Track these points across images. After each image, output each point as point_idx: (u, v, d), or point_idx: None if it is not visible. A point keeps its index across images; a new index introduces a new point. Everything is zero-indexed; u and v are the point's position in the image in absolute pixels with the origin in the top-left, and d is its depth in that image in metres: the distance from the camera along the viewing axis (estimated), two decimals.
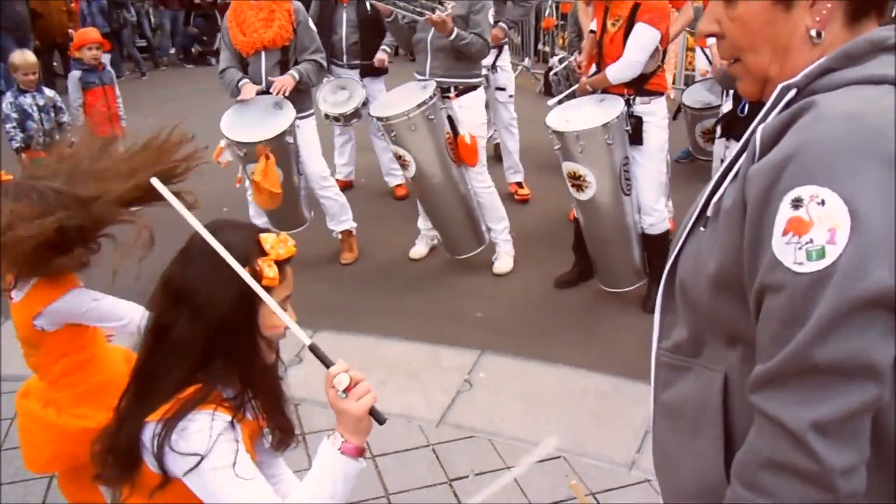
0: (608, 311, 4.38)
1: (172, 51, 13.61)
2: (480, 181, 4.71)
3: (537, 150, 6.33)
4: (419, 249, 5.15)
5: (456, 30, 4.30)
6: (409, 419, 3.44)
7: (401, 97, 4.55)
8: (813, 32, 1.04)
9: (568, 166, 4.14)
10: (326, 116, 5.64)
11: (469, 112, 4.61)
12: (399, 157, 4.56)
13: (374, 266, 5.06)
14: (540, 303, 4.53)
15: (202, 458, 1.37)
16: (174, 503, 1.44)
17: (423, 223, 5.08)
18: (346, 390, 1.38)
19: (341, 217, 5.01)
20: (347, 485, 1.43)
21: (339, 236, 5.09)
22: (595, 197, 4.14)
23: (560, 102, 4.58)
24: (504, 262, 4.87)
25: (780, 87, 1.05)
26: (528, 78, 10.38)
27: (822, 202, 0.89)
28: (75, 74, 5.92)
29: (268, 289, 1.42)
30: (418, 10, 4.33)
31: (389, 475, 3.09)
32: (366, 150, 6.35)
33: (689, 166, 6.56)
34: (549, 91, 9.77)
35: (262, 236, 1.46)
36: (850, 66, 1.01)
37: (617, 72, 4.06)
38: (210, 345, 1.42)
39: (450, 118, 4.56)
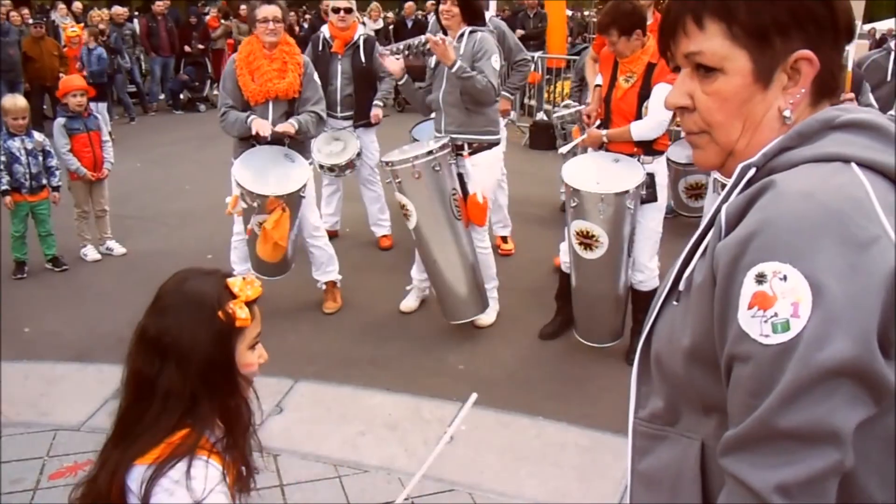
0: (589, 364, 4.39)
1: (162, 97, 13.73)
2: (480, 240, 4.71)
3: (522, 203, 6.43)
4: (409, 303, 5.10)
5: (458, 61, 4.32)
6: (390, 471, 3.42)
7: (414, 148, 4.56)
8: (787, 113, 1.10)
9: (581, 225, 4.10)
10: (321, 167, 5.72)
11: (482, 171, 4.62)
12: (402, 207, 4.48)
13: (356, 316, 5.06)
14: (521, 355, 4.54)
15: None
16: None
17: (416, 273, 5.01)
18: None
19: (328, 268, 5.03)
20: None
21: (324, 286, 5.10)
22: (602, 258, 4.14)
23: (568, 152, 4.61)
24: (487, 315, 4.87)
25: (740, 167, 1.10)
26: (515, 131, 10.54)
27: (785, 278, 0.94)
28: (60, 121, 5.93)
29: (241, 329, 1.52)
30: (405, 45, 4.40)
31: None
32: (352, 201, 6.41)
33: (672, 222, 6.64)
34: (534, 145, 9.98)
35: (230, 281, 1.56)
36: (804, 145, 1.07)
37: (643, 129, 4.06)
38: (196, 389, 1.47)
39: (460, 176, 4.54)
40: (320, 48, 5.89)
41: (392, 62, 4.58)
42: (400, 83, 4.66)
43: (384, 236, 6.28)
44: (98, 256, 6.12)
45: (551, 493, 3.29)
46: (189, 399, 1.47)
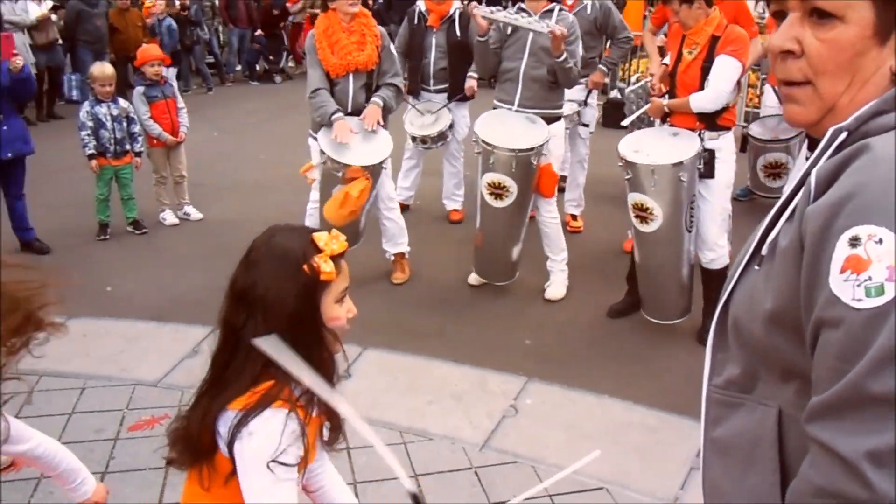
0: (658, 344, 4.35)
1: (238, 68, 13.96)
2: (549, 212, 4.75)
3: (594, 182, 6.36)
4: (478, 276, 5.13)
5: (565, 53, 4.35)
6: (454, 441, 3.46)
7: (506, 122, 4.59)
8: None
9: (636, 198, 4.12)
10: (413, 138, 5.77)
11: (555, 142, 4.66)
12: (498, 186, 4.51)
13: (424, 288, 5.11)
14: (589, 333, 4.53)
15: (265, 458, 1.44)
16: None
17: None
18: None
19: (398, 239, 5.08)
20: None
21: (392, 258, 5.15)
22: (658, 231, 4.13)
23: (632, 125, 4.58)
24: (557, 288, 4.89)
25: (831, 130, 1.07)
26: None
27: (880, 241, 0.92)
28: (139, 90, 6.12)
29: (326, 283, 1.53)
30: (528, 23, 4.37)
31: (431, 495, 3.10)
32: (427, 175, 6.43)
33: (747, 204, 6.50)
34: (607, 123, 9.85)
35: (316, 235, 1.57)
36: None
37: (702, 100, 4.03)
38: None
39: None
40: (416, 21, 5.93)
41: (480, 18, 4.56)
42: (480, 38, 4.64)
43: (455, 210, 6.31)
44: (176, 221, 6.31)
45: (614, 472, 3.27)
46: None
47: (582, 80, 5.68)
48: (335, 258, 1.55)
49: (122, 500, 3.06)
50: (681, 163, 3.98)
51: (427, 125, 5.83)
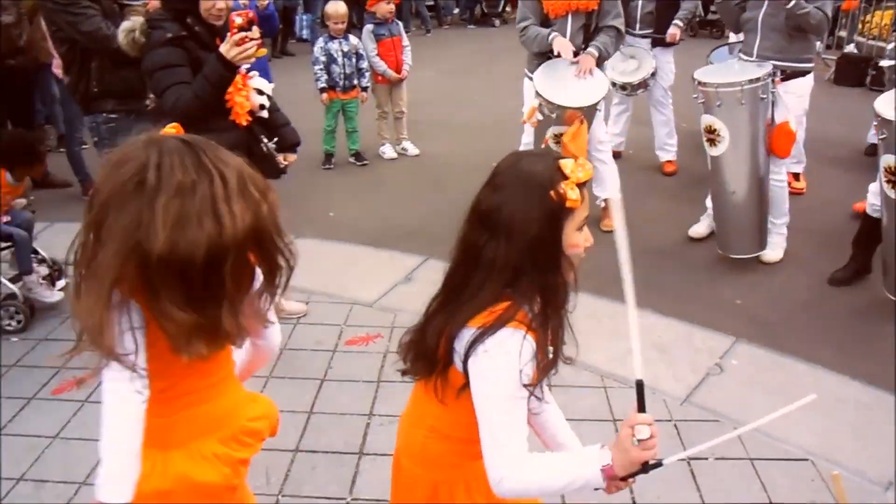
0: (882, 321, 4.04)
1: (456, 11, 14.17)
2: (777, 173, 4.50)
3: (820, 141, 5.96)
4: (699, 229, 4.98)
5: None
6: (654, 392, 3.43)
7: (729, 70, 4.36)
8: None
9: (891, 160, 3.72)
10: (613, 84, 5.67)
11: (794, 99, 4.40)
12: (711, 131, 4.33)
13: (634, 237, 4.85)
14: (804, 299, 4.29)
15: (500, 376, 1.49)
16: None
17: (711, 202, 4.87)
18: (641, 440, 1.47)
19: (610, 184, 5.03)
20: (577, 490, 1.51)
21: (603, 204, 5.11)
22: None
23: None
24: (774, 251, 4.65)
25: None
26: (819, 63, 9.65)
27: None
28: (368, 27, 6.40)
29: (571, 210, 1.53)
30: None
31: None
32: (639, 124, 6.30)
33: None
34: (840, 79, 9.08)
35: (562, 162, 1.56)
36: None
37: None
38: (520, 263, 1.53)
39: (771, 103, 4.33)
40: None
41: None
42: (717, 0, 4.44)
43: (669, 161, 6.14)
44: (394, 155, 6.61)
45: (821, 445, 3.13)
46: (512, 272, 1.53)
47: None
48: (580, 186, 1.55)
49: (337, 407, 3.33)
50: None
51: (629, 72, 5.69)
